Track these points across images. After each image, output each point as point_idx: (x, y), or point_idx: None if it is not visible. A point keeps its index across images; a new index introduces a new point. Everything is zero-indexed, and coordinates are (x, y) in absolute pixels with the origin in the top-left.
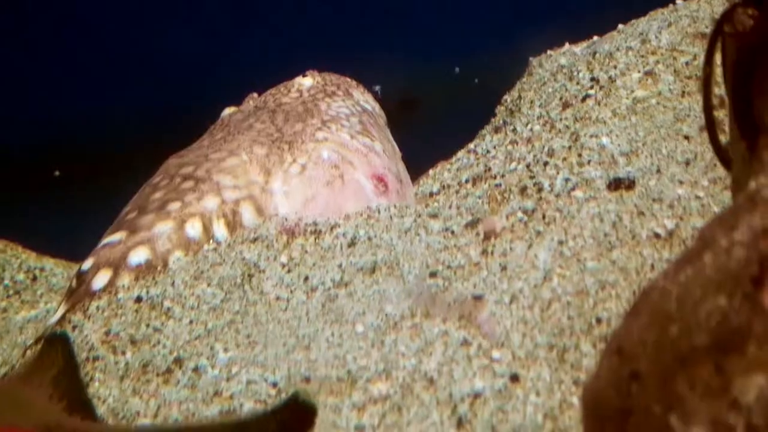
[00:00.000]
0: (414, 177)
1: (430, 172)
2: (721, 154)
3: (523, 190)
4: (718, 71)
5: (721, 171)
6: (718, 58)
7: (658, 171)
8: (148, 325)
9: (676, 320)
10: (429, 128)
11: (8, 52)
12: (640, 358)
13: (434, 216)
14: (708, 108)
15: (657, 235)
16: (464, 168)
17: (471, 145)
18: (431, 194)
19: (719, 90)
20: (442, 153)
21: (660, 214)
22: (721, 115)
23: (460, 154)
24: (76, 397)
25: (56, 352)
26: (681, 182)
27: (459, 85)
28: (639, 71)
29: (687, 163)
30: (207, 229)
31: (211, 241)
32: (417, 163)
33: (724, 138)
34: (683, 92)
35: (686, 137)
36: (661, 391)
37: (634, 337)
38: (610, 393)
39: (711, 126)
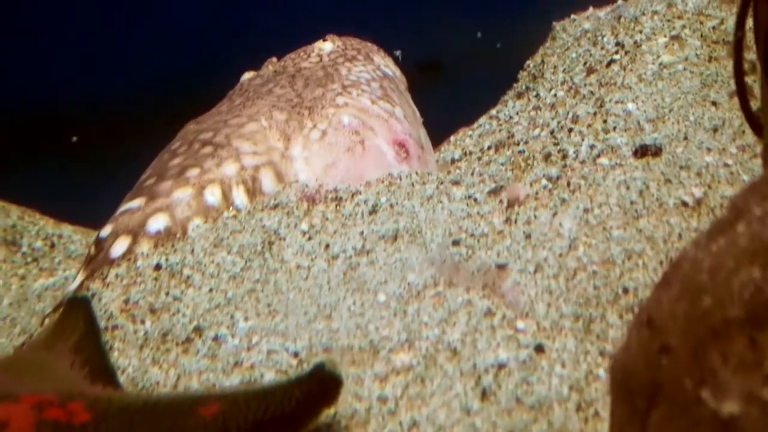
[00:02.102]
0: (435, 143)
1: (452, 138)
2: (752, 120)
3: (547, 157)
4: (749, 35)
5: (750, 138)
6: (749, 22)
7: (686, 138)
8: (167, 294)
9: (708, 292)
10: (450, 94)
11: (27, 21)
12: (671, 331)
13: (456, 183)
14: (739, 73)
15: (685, 204)
16: (486, 134)
17: (493, 111)
18: (453, 161)
19: (749, 55)
20: (464, 119)
21: (687, 182)
22: (751, 80)
23: (482, 120)
24: (98, 363)
25: (77, 317)
26: (709, 149)
27: (481, 50)
28: (665, 36)
29: (715, 130)
30: (226, 195)
31: (230, 207)
32: (438, 129)
33: (754, 104)
34: (710, 57)
35: (714, 103)
36: (693, 364)
37: (665, 308)
38: (640, 366)
39: (742, 92)
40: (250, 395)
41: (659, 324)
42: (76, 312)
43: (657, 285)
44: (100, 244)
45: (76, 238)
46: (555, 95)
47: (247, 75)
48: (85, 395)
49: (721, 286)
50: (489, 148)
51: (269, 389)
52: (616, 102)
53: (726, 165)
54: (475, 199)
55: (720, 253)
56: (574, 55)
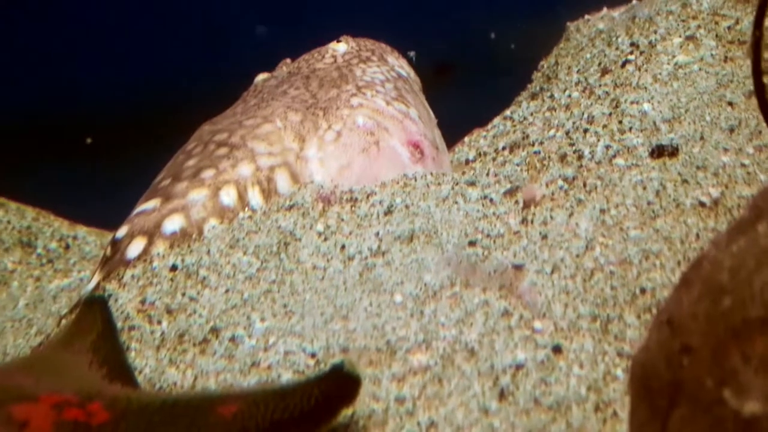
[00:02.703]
0: (449, 144)
1: (466, 139)
2: None
3: (562, 158)
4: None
5: (767, 138)
6: (767, 22)
7: (702, 138)
8: (183, 294)
9: (729, 292)
10: (464, 94)
11: (41, 24)
12: (692, 331)
13: (472, 184)
14: (757, 73)
15: (702, 204)
16: (501, 135)
17: (507, 112)
18: (467, 161)
19: (767, 54)
20: (478, 119)
21: (704, 182)
22: None
23: (496, 120)
24: (115, 362)
25: (94, 316)
26: (725, 149)
27: (495, 50)
28: (680, 36)
29: (731, 130)
30: (242, 196)
31: (246, 208)
32: (452, 129)
33: None
34: (725, 57)
35: (730, 103)
36: (714, 364)
37: (685, 308)
38: (661, 365)
39: (760, 92)
40: (269, 394)
41: (680, 324)
42: (94, 311)
43: (677, 285)
44: (116, 245)
45: (91, 240)
46: (570, 96)
47: (262, 76)
48: (104, 395)
49: (741, 286)
50: (504, 148)
51: (288, 389)
52: (632, 102)
53: (743, 165)
54: (491, 200)
55: (740, 254)
56: (588, 55)
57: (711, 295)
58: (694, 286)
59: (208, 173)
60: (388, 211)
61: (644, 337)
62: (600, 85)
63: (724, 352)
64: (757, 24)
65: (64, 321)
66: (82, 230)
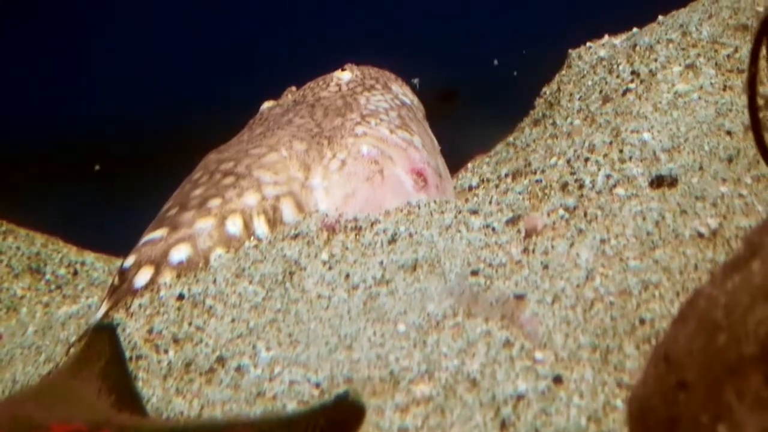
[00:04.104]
0: (452, 170)
1: (469, 165)
2: (767, 154)
3: (564, 187)
4: (762, 67)
5: (764, 168)
6: (762, 54)
7: (701, 168)
8: (190, 324)
9: (724, 329)
10: (467, 121)
11: (50, 50)
12: (688, 367)
13: (475, 212)
14: (753, 109)
15: (700, 235)
16: (503, 161)
17: (510, 138)
18: (470, 188)
19: (763, 89)
20: (481, 146)
21: (703, 212)
22: (762, 115)
23: (499, 147)
24: (124, 389)
25: (103, 343)
26: (724, 180)
27: (497, 76)
28: (680, 64)
29: (730, 160)
30: (248, 225)
31: (251, 237)
32: (455, 156)
33: None
34: (725, 86)
35: (728, 133)
36: (709, 400)
37: (681, 345)
38: (657, 401)
39: (756, 126)
40: (274, 423)
41: (676, 360)
42: (102, 338)
43: (673, 321)
44: (124, 275)
45: (99, 266)
46: (571, 123)
47: (267, 104)
48: (113, 423)
49: (736, 324)
50: (506, 175)
51: (294, 417)
52: (632, 131)
53: (741, 195)
54: (493, 229)
55: (735, 291)
56: (590, 82)
57: (706, 332)
58: (689, 323)
59: (214, 202)
60: (392, 240)
61: (641, 372)
62: (601, 113)
63: (719, 389)
64: (753, 60)
65: (72, 349)
66: (90, 256)
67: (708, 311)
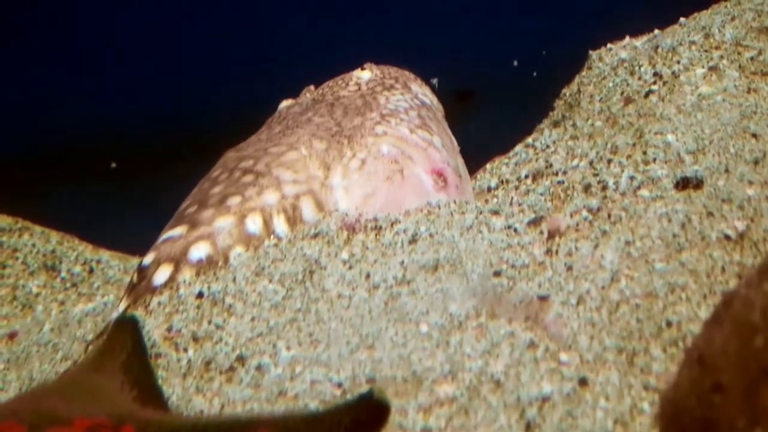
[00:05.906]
0: (471, 171)
1: (487, 166)
2: None
3: (587, 188)
4: None
5: None
6: None
7: (727, 170)
8: (209, 322)
9: (760, 331)
10: (486, 121)
11: (71, 48)
12: (723, 369)
13: (496, 213)
14: None
15: (727, 237)
16: (523, 163)
17: (529, 140)
18: (489, 189)
19: None
20: (499, 147)
21: (730, 215)
22: None
23: (518, 148)
24: (146, 383)
25: (125, 336)
26: (750, 182)
27: (517, 77)
28: (703, 66)
29: (756, 163)
30: (267, 224)
31: (271, 236)
32: (474, 157)
33: None
34: (749, 88)
35: (754, 135)
36: (746, 403)
37: (717, 347)
38: (692, 404)
39: None
40: (298, 420)
41: (711, 362)
42: (124, 332)
43: (707, 323)
44: (143, 272)
45: (114, 264)
46: (592, 125)
47: (285, 103)
48: (136, 418)
49: None
50: (526, 176)
51: (318, 415)
52: (656, 133)
53: None
54: (515, 230)
55: None
56: (611, 84)
57: (742, 334)
58: (725, 325)
59: (233, 200)
60: (413, 240)
61: (674, 374)
62: (623, 115)
63: (755, 391)
64: None
65: (91, 346)
66: (105, 254)
67: (744, 313)
